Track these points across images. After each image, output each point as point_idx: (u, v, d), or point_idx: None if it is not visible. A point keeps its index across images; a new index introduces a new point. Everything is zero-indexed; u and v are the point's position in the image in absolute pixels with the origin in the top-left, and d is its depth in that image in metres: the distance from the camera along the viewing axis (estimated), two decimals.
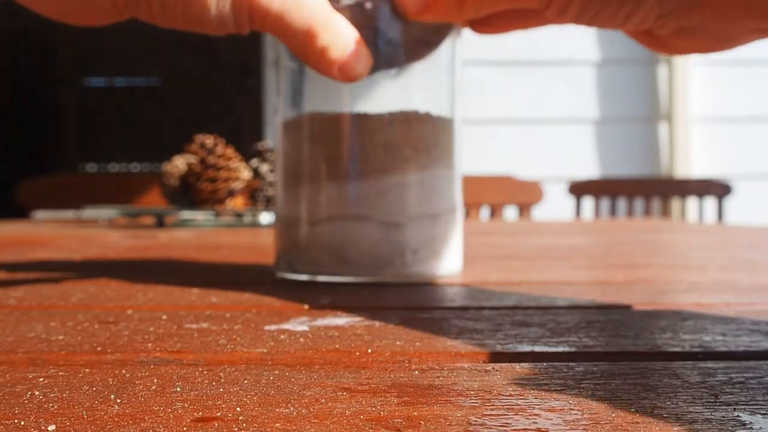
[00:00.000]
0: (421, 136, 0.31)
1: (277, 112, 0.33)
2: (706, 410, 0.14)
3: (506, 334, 0.21)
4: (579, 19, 0.25)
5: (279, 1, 0.25)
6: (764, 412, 0.14)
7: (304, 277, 0.32)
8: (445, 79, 0.33)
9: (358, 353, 0.18)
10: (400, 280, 0.31)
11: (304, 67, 0.31)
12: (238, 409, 0.14)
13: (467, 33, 0.34)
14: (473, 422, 0.13)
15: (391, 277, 0.31)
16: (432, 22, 0.30)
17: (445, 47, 0.32)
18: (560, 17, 0.25)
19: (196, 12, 0.25)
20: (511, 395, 0.15)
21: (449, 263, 0.33)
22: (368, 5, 0.30)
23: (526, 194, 1.50)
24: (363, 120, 0.31)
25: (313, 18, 0.26)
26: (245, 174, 0.91)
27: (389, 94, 0.32)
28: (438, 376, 0.16)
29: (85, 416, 0.13)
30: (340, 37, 0.27)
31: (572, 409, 0.14)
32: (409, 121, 0.31)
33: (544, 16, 0.27)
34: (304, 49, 0.27)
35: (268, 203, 0.91)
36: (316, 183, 0.32)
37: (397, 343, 0.20)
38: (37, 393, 0.15)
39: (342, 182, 0.31)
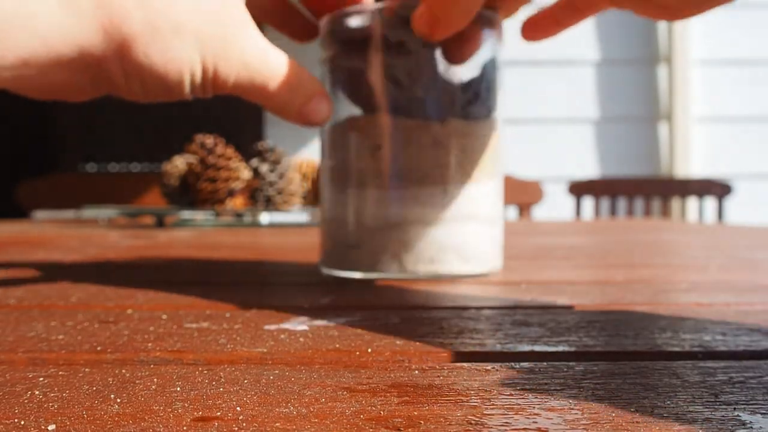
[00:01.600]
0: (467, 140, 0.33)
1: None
2: (706, 410, 0.14)
3: (506, 334, 0.21)
4: None
5: (235, 74, 0.28)
6: (764, 411, 0.14)
7: (357, 275, 0.33)
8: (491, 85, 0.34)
9: (358, 353, 0.18)
10: (444, 278, 0.33)
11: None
12: (238, 408, 0.14)
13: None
14: (473, 422, 0.13)
15: (435, 275, 0.32)
16: (449, 35, 0.30)
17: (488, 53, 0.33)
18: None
19: (174, 92, 0.28)
20: (511, 395, 0.15)
21: (491, 263, 0.34)
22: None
23: (526, 194, 1.50)
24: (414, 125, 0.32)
25: (269, 79, 0.29)
26: (245, 174, 0.91)
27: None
28: (438, 376, 0.16)
29: (85, 416, 0.13)
30: (300, 89, 0.29)
31: (572, 409, 0.14)
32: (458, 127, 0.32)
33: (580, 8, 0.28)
34: (265, 106, 0.30)
35: (268, 203, 0.91)
36: (378, 188, 0.33)
37: (397, 342, 0.20)
38: (37, 393, 0.15)
39: (394, 187, 0.32)
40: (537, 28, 0.33)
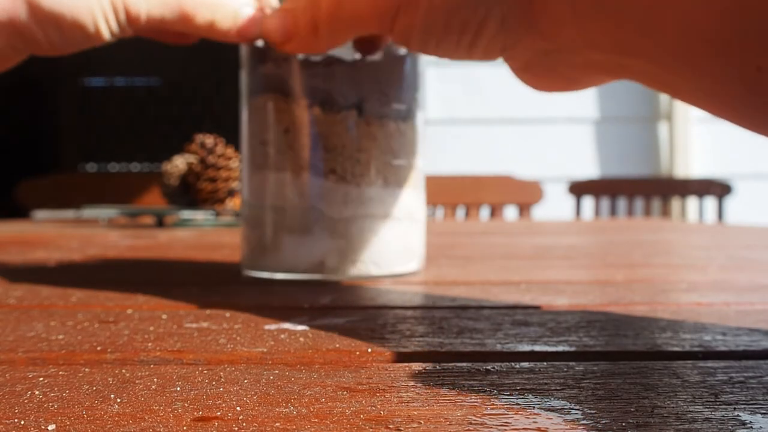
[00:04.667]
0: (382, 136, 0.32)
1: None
2: (706, 410, 0.14)
3: (506, 334, 0.21)
4: (424, 47, 0.25)
5: (145, 3, 0.28)
6: (764, 411, 0.14)
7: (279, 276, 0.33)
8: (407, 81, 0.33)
9: (358, 353, 0.18)
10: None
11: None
12: (238, 408, 0.14)
13: None
14: (473, 422, 0.13)
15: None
16: (297, 53, 0.30)
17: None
18: (407, 45, 0.25)
19: (93, 36, 0.28)
20: (511, 395, 0.15)
21: (408, 264, 0.34)
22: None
23: (526, 194, 1.50)
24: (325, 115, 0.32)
25: (182, 1, 0.28)
26: None
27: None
28: (438, 376, 0.16)
29: (85, 416, 0.13)
30: (223, 7, 0.29)
31: (572, 409, 0.14)
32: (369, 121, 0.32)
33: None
34: (196, 32, 0.29)
35: None
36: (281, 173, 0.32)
37: (397, 343, 0.20)
38: (37, 392, 0.15)
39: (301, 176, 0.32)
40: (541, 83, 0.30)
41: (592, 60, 0.22)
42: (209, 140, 0.91)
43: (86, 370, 0.17)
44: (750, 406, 0.14)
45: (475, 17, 0.22)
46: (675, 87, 0.20)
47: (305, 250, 0.32)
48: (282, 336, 0.20)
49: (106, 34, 0.28)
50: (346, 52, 0.31)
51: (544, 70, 0.24)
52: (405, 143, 0.33)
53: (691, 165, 1.90)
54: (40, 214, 1.00)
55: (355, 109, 0.32)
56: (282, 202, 0.32)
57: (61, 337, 0.20)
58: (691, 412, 0.14)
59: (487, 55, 0.24)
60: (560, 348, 0.19)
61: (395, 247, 0.33)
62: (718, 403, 0.14)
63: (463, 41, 0.24)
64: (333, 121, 0.31)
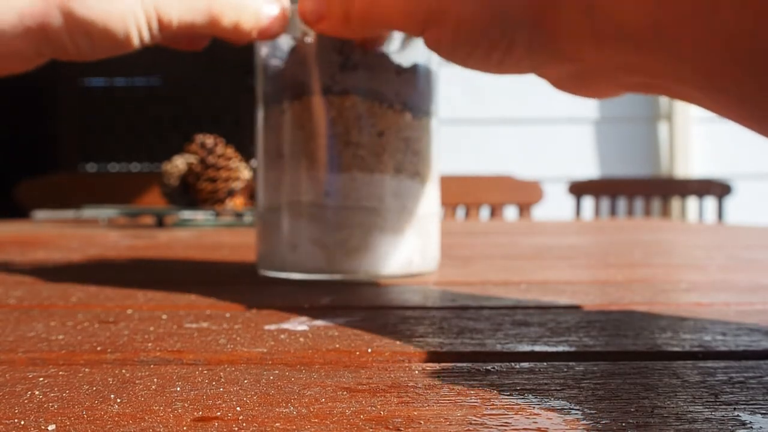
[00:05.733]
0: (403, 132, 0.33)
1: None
2: (706, 410, 0.14)
3: (506, 334, 0.21)
4: (453, 56, 0.25)
5: (176, 10, 0.28)
6: (764, 411, 0.14)
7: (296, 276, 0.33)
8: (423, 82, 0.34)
9: (358, 353, 0.18)
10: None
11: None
12: (238, 408, 0.14)
13: None
14: (473, 422, 0.13)
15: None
16: (328, 34, 0.30)
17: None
18: (437, 51, 0.25)
19: (122, 43, 0.28)
20: (511, 395, 0.15)
21: (427, 262, 0.35)
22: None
23: (526, 194, 1.50)
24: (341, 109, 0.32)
25: (210, 3, 0.28)
26: (245, 174, 0.91)
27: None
28: (438, 376, 0.16)
29: (85, 416, 0.13)
30: (247, 7, 0.29)
31: (572, 409, 0.14)
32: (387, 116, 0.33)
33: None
34: (221, 35, 0.29)
35: None
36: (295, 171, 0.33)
37: (397, 342, 0.20)
38: (37, 393, 0.15)
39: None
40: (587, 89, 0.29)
41: (620, 80, 0.22)
42: (209, 140, 0.91)
43: (86, 370, 0.17)
44: (750, 406, 0.14)
45: (502, 40, 0.23)
46: (706, 103, 0.20)
47: (398, 249, 0.33)
48: (282, 336, 0.20)
49: (136, 42, 0.28)
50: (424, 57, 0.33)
51: (578, 86, 0.25)
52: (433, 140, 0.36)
53: (691, 165, 1.90)
54: (40, 214, 1.00)
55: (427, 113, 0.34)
56: (378, 203, 0.32)
57: (61, 337, 0.20)
58: (691, 412, 0.14)
59: (518, 72, 0.25)
60: (560, 348, 0.19)
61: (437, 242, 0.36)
62: (718, 403, 0.14)
63: (492, 59, 0.24)
64: (419, 126, 0.33)
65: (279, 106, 0.33)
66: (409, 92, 0.33)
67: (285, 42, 0.33)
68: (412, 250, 0.33)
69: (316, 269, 0.33)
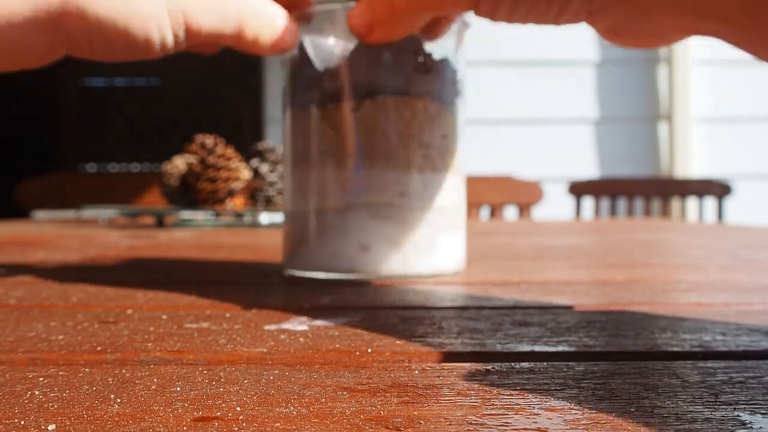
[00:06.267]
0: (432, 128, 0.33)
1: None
2: (706, 410, 0.14)
3: (506, 334, 0.21)
4: (511, 17, 0.25)
5: (208, 17, 0.27)
6: (764, 411, 0.14)
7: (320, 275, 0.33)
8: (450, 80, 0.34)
9: (358, 353, 0.18)
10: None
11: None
12: (238, 408, 0.14)
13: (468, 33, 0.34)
14: (473, 422, 0.13)
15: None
16: (380, 41, 0.30)
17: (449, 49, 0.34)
18: (492, 16, 0.25)
19: (141, 49, 0.26)
20: (511, 395, 0.15)
21: (455, 261, 0.35)
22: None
23: (526, 194, 1.50)
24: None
25: (239, 12, 0.28)
26: (245, 174, 0.91)
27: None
28: (438, 376, 0.16)
29: (85, 416, 0.13)
30: (266, 19, 0.29)
31: (572, 409, 0.14)
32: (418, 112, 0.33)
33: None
34: (240, 45, 0.29)
35: (268, 203, 0.91)
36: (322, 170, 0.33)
37: (397, 342, 0.20)
38: (37, 393, 0.15)
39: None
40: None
41: (672, 22, 0.23)
42: (209, 140, 0.91)
43: (86, 370, 0.17)
44: (750, 406, 0.14)
45: None
46: (754, 46, 0.21)
47: (457, 247, 0.35)
48: (282, 336, 0.20)
49: (157, 48, 0.27)
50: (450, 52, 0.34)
51: (628, 31, 0.25)
52: None
53: (691, 165, 1.90)
54: (40, 214, 1.00)
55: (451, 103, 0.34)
56: (446, 203, 0.33)
57: (61, 337, 0.20)
58: (691, 412, 0.14)
59: (574, 20, 0.25)
60: (560, 348, 0.19)
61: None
62: (718, 404, 0.14)
63: (552, 9, 0.24)
64: (460, 126, 0.34)
65: (338, 105, 0.32)
66: (456, 94, 0.34)
67: (334, 44, 0.32)
68: (461, 248, 0.35)
69: (388, 270, 0.32)
